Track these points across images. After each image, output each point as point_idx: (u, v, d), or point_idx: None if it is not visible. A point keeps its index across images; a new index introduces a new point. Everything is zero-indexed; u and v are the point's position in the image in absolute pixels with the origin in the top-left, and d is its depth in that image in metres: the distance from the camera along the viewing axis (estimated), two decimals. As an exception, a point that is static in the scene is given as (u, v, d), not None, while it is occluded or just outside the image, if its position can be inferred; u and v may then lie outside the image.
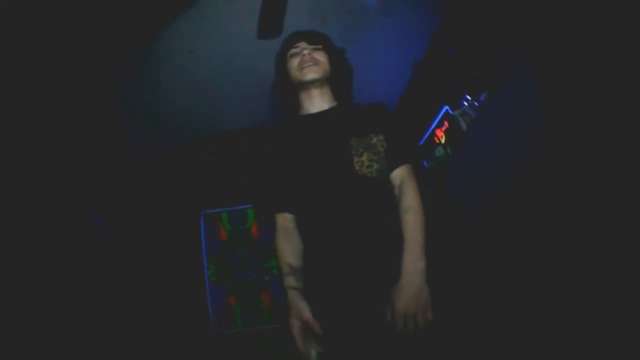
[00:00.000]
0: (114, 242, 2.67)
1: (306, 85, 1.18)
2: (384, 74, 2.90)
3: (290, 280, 0.98)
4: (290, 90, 1.23)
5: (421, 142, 2.83)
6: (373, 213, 0.99)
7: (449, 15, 2.45)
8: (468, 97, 2.29)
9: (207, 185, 2.98)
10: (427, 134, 2.72)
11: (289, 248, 1.05)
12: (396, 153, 1.08)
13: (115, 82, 2.34)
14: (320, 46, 1.23)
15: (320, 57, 1.20)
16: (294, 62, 1.20)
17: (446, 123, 2.48)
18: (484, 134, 1.81)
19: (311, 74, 1.16)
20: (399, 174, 1.06)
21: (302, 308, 0.93)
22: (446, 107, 2.48)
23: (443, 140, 2.55)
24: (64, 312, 2.06)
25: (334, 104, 1.21)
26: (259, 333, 2.55)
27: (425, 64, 2.75)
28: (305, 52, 1.19)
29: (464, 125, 2.30)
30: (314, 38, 1.24)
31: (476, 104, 2.21)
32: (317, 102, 1.20)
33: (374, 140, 1.07)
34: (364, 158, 1.03)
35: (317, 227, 1.02)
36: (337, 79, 1.24)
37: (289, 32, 1.35)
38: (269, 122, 2.57)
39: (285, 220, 1.09)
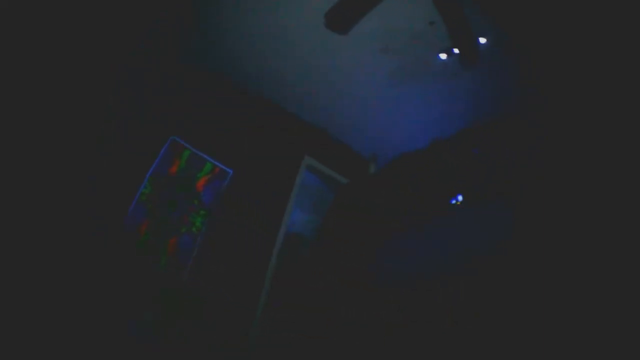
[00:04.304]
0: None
1: None
2: (407, 124, 2.87)
3: None
4: None
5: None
6: None
7: (494, 121, 2.41)
8: (460, 198, 2.25)
9: (205, 123, 2.99)
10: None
11: None
12: None
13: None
14: None
15: None
16: None
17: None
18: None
19: None
20: None
21: None
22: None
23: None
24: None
25: None
26: (147, 270, 2.49)
27: (444, 144, 2.71)
28: None
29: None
30: None
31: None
32: None
33: None
34: None
35: None
36: None
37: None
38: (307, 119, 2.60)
39: None
